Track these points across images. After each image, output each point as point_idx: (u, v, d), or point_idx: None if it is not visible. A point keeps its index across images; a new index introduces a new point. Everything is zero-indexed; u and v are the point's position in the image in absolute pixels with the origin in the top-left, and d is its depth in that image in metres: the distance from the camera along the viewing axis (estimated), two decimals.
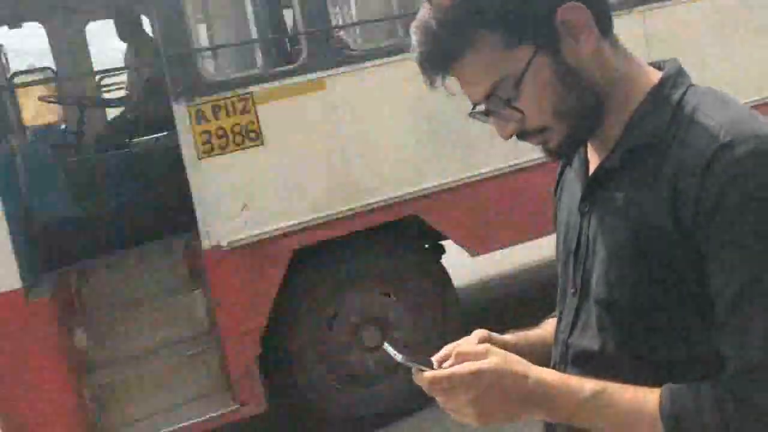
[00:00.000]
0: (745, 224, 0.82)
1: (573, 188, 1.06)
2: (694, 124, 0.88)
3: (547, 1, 0.88)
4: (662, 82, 0.94)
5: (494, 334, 1.08)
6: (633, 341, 0.93)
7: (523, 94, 0.91)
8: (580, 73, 0.91)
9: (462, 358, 0.93)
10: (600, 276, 0.95)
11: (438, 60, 0.91)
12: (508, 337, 1.11)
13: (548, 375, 0.93)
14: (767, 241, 0.81)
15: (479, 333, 1.05)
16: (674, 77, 0.94)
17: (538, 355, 1.06)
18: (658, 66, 0.99)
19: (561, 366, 1.03)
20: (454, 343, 0.98)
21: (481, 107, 0.95)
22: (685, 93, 0.92)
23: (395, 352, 0.96)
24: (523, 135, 0.95)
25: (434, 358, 0.96)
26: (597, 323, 0.97)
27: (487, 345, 0.96)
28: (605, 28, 0.93)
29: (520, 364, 0.92)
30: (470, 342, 1.01)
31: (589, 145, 1.02)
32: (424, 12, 0.91)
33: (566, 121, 0.93)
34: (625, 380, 0.90)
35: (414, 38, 0.92)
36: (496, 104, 0.93)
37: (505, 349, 0.98)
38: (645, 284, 0.90)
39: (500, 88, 0.91)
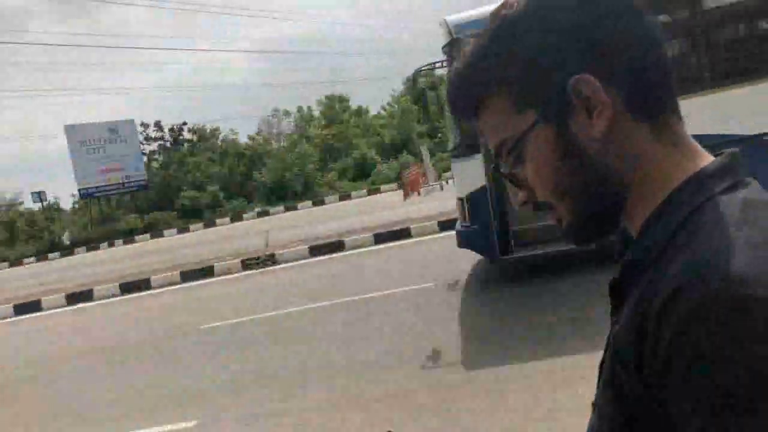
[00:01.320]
0: (690, 400, 0.66)
1: None
2: (681, 249, 0.72)
3: (561, 67, 0.79)
4: (684, 185, 0.77)
5: None
6: None
7: (524, 162, 0.84)
8: (589, 153, 0.80)
9: None
10: (596, 403, 0.84)
11: (458, 112, 0.90)
12: None
13: None
14: (714, 425, 0.64)
15: None
16: (703, 179, 0.77)
17: None
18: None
19: None
20: None
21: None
22: (704, 203, 0.75)
23: None
24: (536, 206, 0.87)
25: None
26: None
27: None
28: (644, 109, 0.80)
29: None
30: None
31: None
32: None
33: (569, 203, 0.83)
34: None
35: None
36: (502, 167, 0.87)
37: None
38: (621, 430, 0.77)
39: (504, 150, 0.85)
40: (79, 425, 6.40)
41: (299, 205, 32.75)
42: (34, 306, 14.93)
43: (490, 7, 7.39)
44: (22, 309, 14.93)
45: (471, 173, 7.64)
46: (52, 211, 41.27)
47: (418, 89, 8.58)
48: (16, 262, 33.99)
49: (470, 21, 7.44)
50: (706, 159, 0.81)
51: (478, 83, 0.84)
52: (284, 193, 37.62)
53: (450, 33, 7.37)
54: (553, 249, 7.38)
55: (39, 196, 39.02)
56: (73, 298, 14.87)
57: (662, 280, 0.71)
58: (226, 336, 8.75)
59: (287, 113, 50.76)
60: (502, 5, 0.83)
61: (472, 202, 7.66)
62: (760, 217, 0.71)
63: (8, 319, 14.56)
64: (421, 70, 8.38)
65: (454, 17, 7.54)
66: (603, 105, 0.79)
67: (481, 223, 7.56)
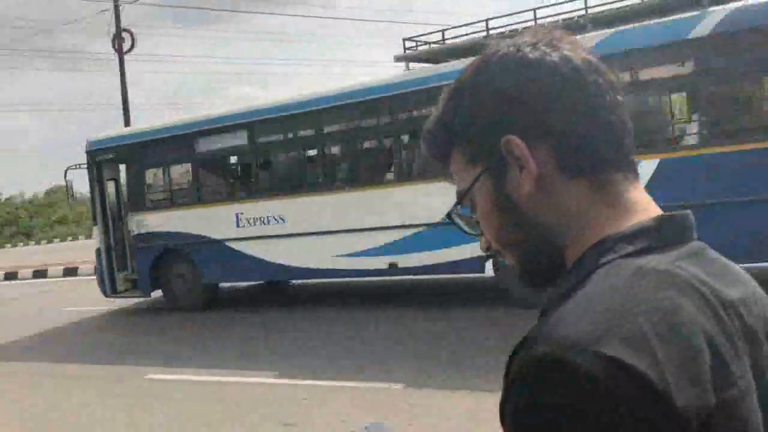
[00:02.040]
0: None
1: None
2: (554, 309, 0.72)
3: (497, 127, 0.81)
4: (596, 245, 0.77)
5: None
6: None
7: (476, 210, 0.88)
8: (521, 208, 0.82)
9: None
10: None
11: (434, 162, 0.92)
12: None
13: None
14: None
15: None
16: (614, 241, 0.76)
17: None
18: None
19: None
20: None
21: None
22: (601, 266, 0.73)
23: None
24: (495, 252, 0.89)
25: None
26: None
27: None
28: (578, 167, 0.79)
29: None
30: None
31: None
32: None
33: (511, 251, 0.86)
34: None
35: None
36: (453, 215, 0.92)
37: None
38: None
39: (461, 199, 0.89)
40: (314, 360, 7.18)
41: None
42: None
43: (124, 129, 12.75)
44: None
45: (96, 237, 11.93)
46: None
47: (68, 182, 12.14)
48: None
49: (101, 140, 11.97)
50: (637, 220, 0.78)
51: (440, 138, 0.88)
52: None
53: (86, 148, 11.80)
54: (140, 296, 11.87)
55: None
56: None
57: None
58: None
59: None
60: (467, 66, 0.88)
61: (96, 256, 11.92)
62: (639, 287, 0.69)
63: None
64: (70, 168, 12.23)
65: (92, 137, 11.94)
66: (529, 165, 0.80)
67: (100, 271, 11.90)
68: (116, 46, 22.78)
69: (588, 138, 0.79)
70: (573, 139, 0.79)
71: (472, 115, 0.84)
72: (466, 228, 0.91)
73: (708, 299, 0.70)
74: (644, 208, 0.79)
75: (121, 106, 23.09)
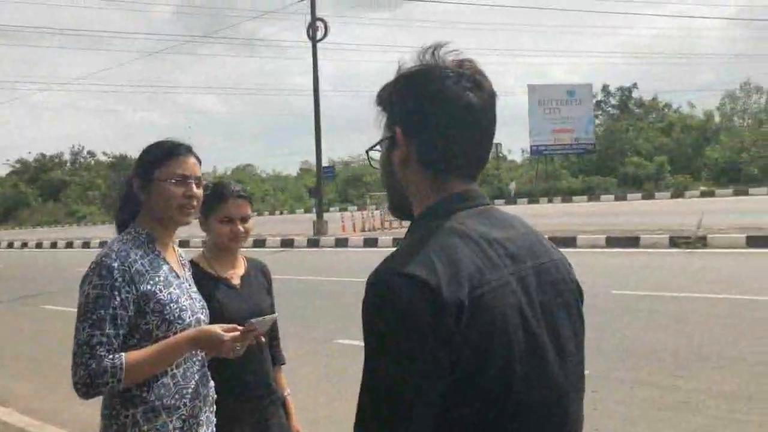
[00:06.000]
0: (365, 343, 1.08)
1: None
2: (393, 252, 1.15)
3: (398, 115, 1.22)
4: (421, 214, 1.22)
5: None
6: None
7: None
8: (394, 169, 1.24)
9: None
10: None
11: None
12: None
13: None
14: (373, 361, 1.07)
15: None
16: (428, 212, 1.20)
17: None
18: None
19: None
20: None
21: None
22: (420, 226, 1.19)
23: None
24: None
25: None
26: None
27: None
28: (428, 164, 1.20)
29: None
30: None
31: None
32: None
33: (386, 190, 1.31)
34: None
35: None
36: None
37: None
38: None
39: (375, 145, 1.30)
40: None
41: (751, 191, 30.89)
42: None
43: None
44: None
45: None
46: (501, 161, 44.65)
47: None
48: None
49: None
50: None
51: (381, 102, 1.27)
52: (738, 176, 34.96)
53: None
54: None
55: (496, 147, 42.68)
56: None
57: None
58: (632, 304, 8.72)
59: (759, 89, 45.48)
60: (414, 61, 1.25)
61: None
62: (434, 236, 1.12)
63: None
64: None
65: None
66: (400, 149, 1.22)
67: None
68: (310, 35, 23.83)
69: (446, 149, 1.20)
70: (426, 143, 1.20)
71: (392, 100, 1.24)
72: (372, 163, 1.32)
73: (476, 241, 1.13)
74: (466, 199, 1.21)
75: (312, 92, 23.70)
